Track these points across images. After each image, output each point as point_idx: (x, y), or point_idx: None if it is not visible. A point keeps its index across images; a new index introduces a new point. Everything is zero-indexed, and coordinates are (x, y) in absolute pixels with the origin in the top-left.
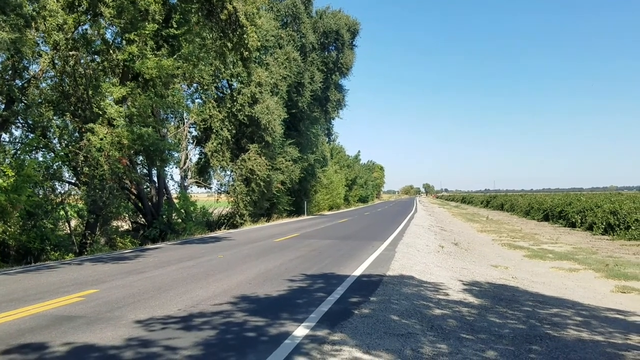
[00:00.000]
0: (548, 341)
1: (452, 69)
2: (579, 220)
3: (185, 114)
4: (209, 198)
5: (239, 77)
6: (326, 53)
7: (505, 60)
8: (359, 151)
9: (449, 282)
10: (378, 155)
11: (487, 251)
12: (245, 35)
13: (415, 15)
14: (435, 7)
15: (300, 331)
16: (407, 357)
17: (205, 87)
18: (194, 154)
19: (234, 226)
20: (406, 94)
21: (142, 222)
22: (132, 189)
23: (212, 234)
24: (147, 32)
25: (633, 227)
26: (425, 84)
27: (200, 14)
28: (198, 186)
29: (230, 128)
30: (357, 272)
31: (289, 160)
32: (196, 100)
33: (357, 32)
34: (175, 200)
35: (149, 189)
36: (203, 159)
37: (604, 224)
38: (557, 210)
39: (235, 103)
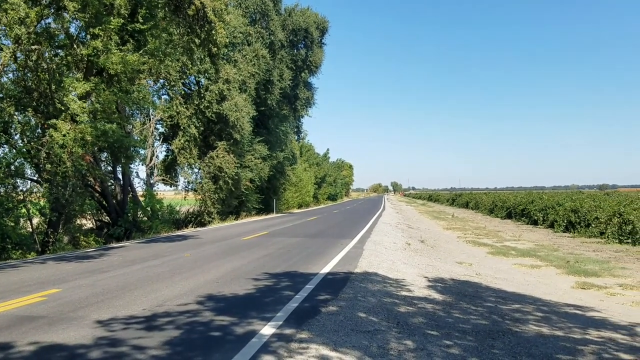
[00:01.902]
0: (510, 336)
1: (416, 72)
2: (541, 218)
3: (151, 111)
4: (175, 196)
5: (207, 74)
6: (295, 51)
7: (471, 58)
8: (328, 149)
9: (415, 279)
10: (347, 153)
11: (453, 248)
12: (213, 32)
13: (383, 14)
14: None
15: (268, 330)
16: (373, 354)
17: (172, 83)
18: (160, 151)
19: (202, 224)
20: (375, 94)
21: (106, 221)
22: (96, 187)
23: (179, 233)
24: (112, 26)
25: (593, 225)
26: (392, 85)
27: (167, 9)
28: (164, 184)
29: (198, 125)
30: (325, 270)
31: (258, 158)
32: (163, 97)
33: (326, 30)
34: (141, 198)
35: (113, 187)
36: (170, 156)
37: (565, 221)
38: (520, 208)
39: (203, 100)
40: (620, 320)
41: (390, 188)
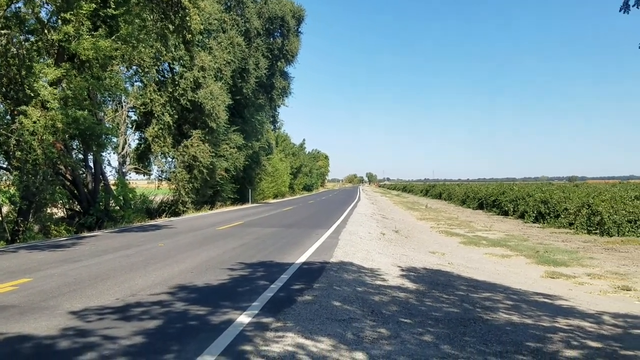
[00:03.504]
0: (481, 324)
1: (392, 65)
2: (512, 209)
3: (124, 98)
4: (149, 185)
5: (182, 61)
6: (271, 39)
7: (448, 50)
8: (304, 140)
9: (389, 268)
10: (323, 144)
11: (426, 238)
12: (187, 18)
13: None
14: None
15: (243, 319)
16: (348, 341)
17: (146, 70)
18: (133, 139)
19: (176, 214)
20: (351, 86)
21: (77, 210)
22: (67, 175)
23: (153, 222)
24: (83, 11)
25: (562, 216)
26: (368, 77)
27: None
28: (137, 173)
29: (172, 113)
30: (301, 260)
31: (234, 148)
32: (136, 84)
33: (303, 18)
34: (113, 187)
35: (85, 175)
36: (143, 145)
37: (535, 212)
38: (491, 199)
39: (177, 87)
40: (588, 308)
41: (366, 179)
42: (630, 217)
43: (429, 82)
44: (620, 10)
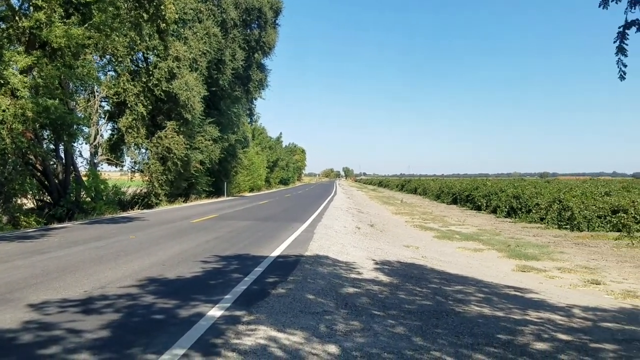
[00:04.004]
0: (453, 317)
1: (369, 59)
2: (485, 204)
3: (96, 87)
4: (121, 177)
5: (156, 50)
6: (248, 31)
7: (422, 44)
8: (281, 133)
9: (364, 262)
10: (300, 138)
11: (401, 232)
12: (162, 7)
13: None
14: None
15: (215, 312)
16: (321, 334)
17: (120, 59)
18: (105, 130)
19: (149, 206)
20: (328, 79)
21: (48, 201)
22: (37, 165)
23: (125, 214)
24: None
25: (534, 211)
26: (345, 71)
27: None
28: (109, 164)
29: (146, 103)
30: (275, 253)
31: (209, 140)
32: (109, 73)
33: (280, 10)
34: (85, 178)
35: (55, 166)
36: (116, 135)
37: (507, 207)
38: (465, 194)
39: (151, 77)
40: (558, 302)
41: (342, 173)
42: (600, 213)
43: (404, 78)
44: (599, 6)
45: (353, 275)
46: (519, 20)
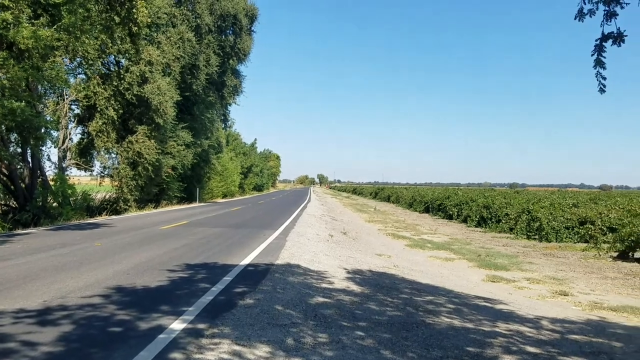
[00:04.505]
0: (423, 328)
1: (343, 67)
2: (456, 213)
3: (66, 90)
4: (90, 181)
5: (128, 54)
6: (223, 37)
7: (397, 53)
8: (255, 139)
9: (335, 271)
10: (275, 144)
11: (373, 240)
12: (134, 10)
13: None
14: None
15: (178, 325)
16: (288, 347)
17: (90, 62)
18: (75, 134)
19: (118, 212)
20: (303, 86)
21: (13, 205)
22: (3, 169)
23: (92, 220)
24: None
25: (503, 221)
26: (320, 78)
27: None
28: (78, 168)
29: (117, 107)
30: (245, 262)
31: (181, 145)
32: (79, 76)
33: (256, 17)
34: (52, 183)
35: (22, 170)
36: (86, 139)
37: (478, 217)
38: (437, 203)
39: (123, 81)
40: (527, 313)
41: (317, 180)
42: (568, 224)
43: (377, 86)
44: (575, 18)
45: (324, 285)
46: (491, 35)
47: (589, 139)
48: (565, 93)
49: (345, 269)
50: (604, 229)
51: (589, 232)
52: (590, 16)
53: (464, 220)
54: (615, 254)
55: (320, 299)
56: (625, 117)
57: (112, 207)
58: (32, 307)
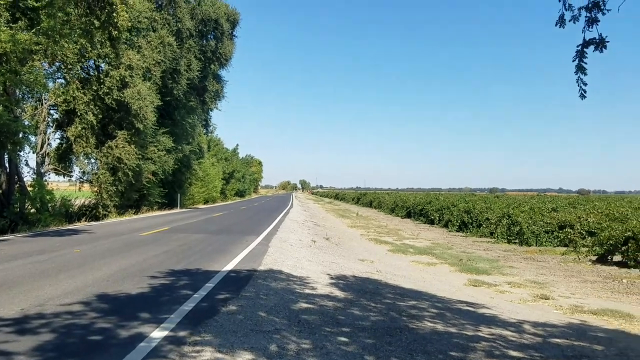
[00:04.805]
0: (407, 333)
1: (326, 72)
2: (437, 218)
3: (45, 94)
4: (69, 187)
5: (108, 58)
6: (205, 41)
7: (381, 58)
8: (237, 145)
9: (318, 277)
10: (257, 150)
11: (356, 245)
12: (114, 14)
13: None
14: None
15: (159, 332)
16: (271, 354)
17: (70, 67)
18: (53, 139)
19: (97, 218)
20: (285, 91)
21: None
22: None
23: (71, 226)
24: (2, 2)
25: (484, 225)
26: (302, 83)
27: None
28: (57, 174)
29: (96, 112)
30: (228, 268)
31: (162, 150)
32: (58, 80)
33: (237, 22)
34: (30, 189)
35: None
36: (64, 144)
37: (459, 221)
38: (419, 208)
39: (102, 85)
40: (509, 317)
41: (299, 186)
42: (547, 228)
43: (359, 92)
44: (556, 25)
45: (307, 291)
46: (472, 42)
47: (567, 144)
48: (542, 100)
49: (329, 274)
50: (583, 233)
51: (569, 236)
52: (574, 22)
53: (446, 225)
54: (595, 258)
55: (304, 305)
56: (602, 123)
57: (91, 213)
58: (9, 316)
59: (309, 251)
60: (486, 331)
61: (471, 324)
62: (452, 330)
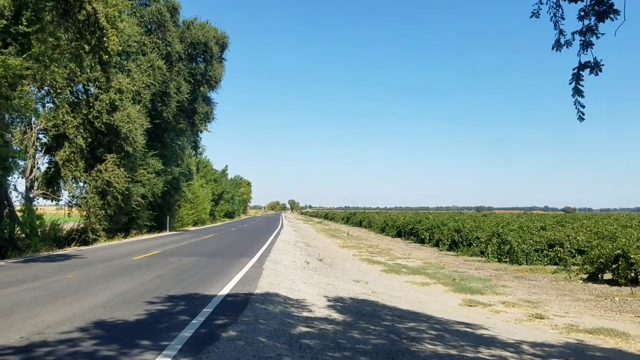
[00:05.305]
0: (408, 356)
1: (314, 92)
2: (428, 237)
3: (34, 119)
4: (57, 211)
5: (97, 82)
6: (194, 64)
7: (368, 77)
8: (226, 166)
9: (315, 299)
10: (246, 170)
11: (349, 266)
12: (105, 39)
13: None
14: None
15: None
16: None
17: (59, 91)
18: (42, 163)
19: (86, 242)
20: (272, 110)
21: None
22: None
23: (61, 252)
24: None
25: (474, 244)
26: (289, 104)
27: (55, 12)
28: (45, 198)
29: (85, 136)
30: (224, 292)
31: (152, 173)
32: (47, 105)
33: (226, 45)
34: (19, 214)
35: None
36: (53, 169)
37: (449, 240)
38: (409, 227)
39: (92, 109)
40: (508, 338)
41: (288, 206)
42: (537, 247)
43: (346, 109)
44: (552, 49)
45: (305, 314)
46: (460, 56)
47: (551, 163)
48: (528, 119)
49: (326, 296)
50: (573, 251)
51: (558, 255)
52: (567, 47)
53: (436, 244)
54: (586, 276)
55: (304, 329)
56: (587, 142)
57: (80, 237)
58: (10, 344)
59: (304, 273)
60: (486, 352)
61: (471, 345)
62: (453, 352)
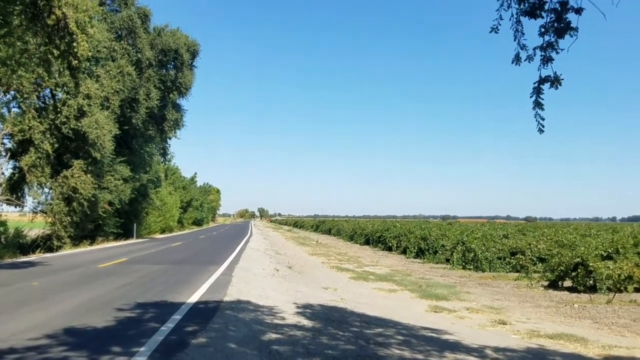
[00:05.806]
0: None
1: (283, 100)
2: (395, 245)
3: None
4: (21, 218)
5: (66, 87)
6: (164, 71)
7: (341, 86)
8: (195, 173)
9: (285, 306)
10: (215, 178)
11: (318, 274)
12: (75, 44)
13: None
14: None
15: None
16: None
17: (26, 96)
18: (6, 168)
19: (51, 250)
20: (243, 119)
21: None
22: None
23: (25, 259)
24: None
25: (440, 252)
26: (259, 111)
27: (23, 16)
28: (9, 204)
29: (52, 141)
30: (193, 299)
31: (119, 179)
32: (13, 109)
33: (197, 53)
34: None
35: None
36: (17, 174)
37: (416, 248)
38: (377, 235)
39: (59, 115)
40: (472, 343)
41: (257, 214)
42: (500, 254)
43: (314, 119)
44: (512, 63)
45: (276, 321)
46: (428, 66)
47: (513, 173)
48: (492, 129)
49: (295, 303)
50: (534, 259)
51: (520, 262)
52: (529, 61)
53: (403, 252)
54: (546, 283)
55: (274, 335)
56: (547, 152)
57: (45, 244)
58: None
59: (273, 280)
60: (451, 357)
61: (436, 350)
62: (419, 356)
